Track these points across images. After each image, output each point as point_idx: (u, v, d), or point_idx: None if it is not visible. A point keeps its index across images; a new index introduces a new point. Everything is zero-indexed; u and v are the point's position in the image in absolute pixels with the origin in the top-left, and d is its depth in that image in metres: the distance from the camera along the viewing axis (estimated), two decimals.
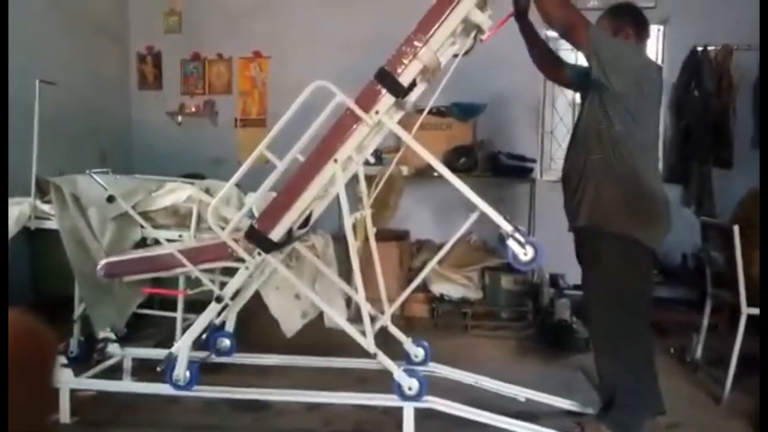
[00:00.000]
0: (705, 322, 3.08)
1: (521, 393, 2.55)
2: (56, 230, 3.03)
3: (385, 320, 2.71)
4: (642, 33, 2.42)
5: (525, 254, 2.21)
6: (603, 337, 2.39)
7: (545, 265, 4.31)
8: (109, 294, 2.97)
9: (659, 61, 4.59)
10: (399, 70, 2.35)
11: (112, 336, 2.74)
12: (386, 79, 2.35)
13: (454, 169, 4.55)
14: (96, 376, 2.63)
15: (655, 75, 2.36)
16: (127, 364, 2.69)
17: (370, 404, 2.44)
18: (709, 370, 3.00)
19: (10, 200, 3.09)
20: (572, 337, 3.52)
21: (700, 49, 4.28)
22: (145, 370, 2.60)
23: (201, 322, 2.39)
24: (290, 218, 2.41)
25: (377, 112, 2.35)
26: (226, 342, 2.86)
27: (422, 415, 2.39)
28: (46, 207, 3.10)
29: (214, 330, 2.78)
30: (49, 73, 3.26)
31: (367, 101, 2.37)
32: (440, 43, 2.37)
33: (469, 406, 2.35)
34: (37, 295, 3.36)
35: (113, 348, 2.61)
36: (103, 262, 2.48)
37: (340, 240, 3.74)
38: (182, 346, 2.39)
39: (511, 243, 2.23)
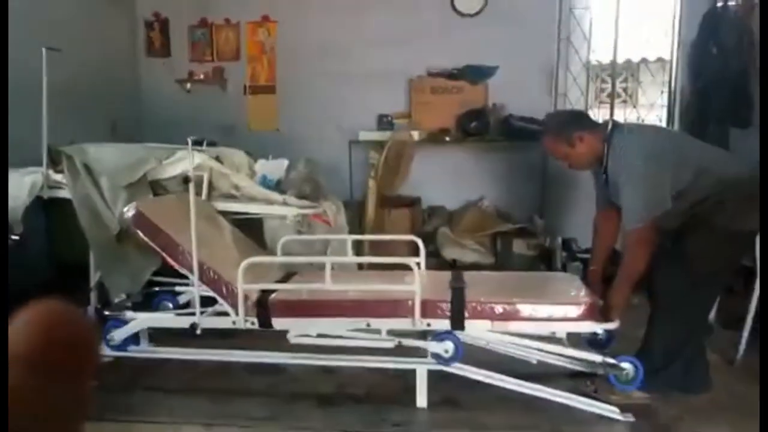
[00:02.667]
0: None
1: (534, 355, 2.55)
2: (69, 199, 3.05)
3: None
4: (589, 126, 2.42)
5: (626, 374, 2.36)
6: (666, 306, 2.39)
7: (557, 230, 4.29)
8: (124, 261, 3.00)
9: (677, 18, 4.46)
10: None
11: (128, 302, 2.77)
12: None
13: (466, 133, 4.52)
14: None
15: (662, 147, 2.35)
16: (145, 331, 2.73)
17: (382, 367, 2.46)
18: (724, 331, 2.98)
19: (23, 170, 3.10)
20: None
21: (719, 4, 4.14)
22: (162, 335, 2.63)
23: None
24: None
25: None
26: None
27: (434, 378, 2.41)
28: (58, 176, 3.12)
29: None
30: (56, 41, 3.23)
31: None
32: None
33: (480, 368, 2.37)
34: (52, 264, 3.41)
35: (128, 314, 2.64)
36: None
37: (350, 207, 3.75)
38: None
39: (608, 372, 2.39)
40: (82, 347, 0.30)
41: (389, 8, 4.71)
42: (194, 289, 2.48)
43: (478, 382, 2.36)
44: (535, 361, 2.56)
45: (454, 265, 4.17)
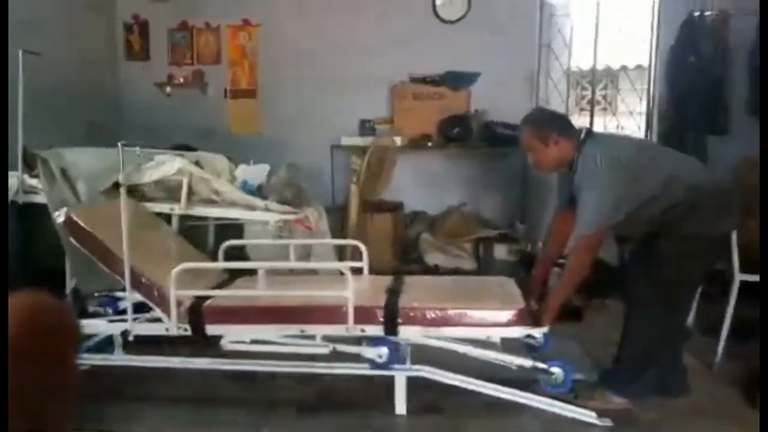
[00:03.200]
0: (698, 289, 3.09)
1: (514, 361, 2.55)
2: (45, 204, 2.99)
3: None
4: (567, 132, 2.45)
5: (555, 379, 2.37)
6: (640, 313, 2.39)
7: (538, 236, 4.32)
8: (100, 268, 2.94)
9: (655, 26, 4.53)
10: None
11: (101, 310, 2.72)
12: None
13: (448, 139, 4.54)
14: (88, 351, 2.62)
15: (622, 160, 2.35)
16: (118, 339, 2.68)
17: (362, 374, 2.45)
18: (702, 337, 3.02)
19: None
20: (565, 306, 3.52)
21: (696, 14, 4.21)
22: (138, 344, 2.58)
23: None
24: None
25: None
26: None
27: (414, 385, 2.40)
28: (34, 181, 3.06)
29: None
30: (33, 43, 3.17)
31: None
32: None
33: (459, 374, 2.37)
34: (27, 270, 3.33)
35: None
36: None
37: (332, 212, 3.73)
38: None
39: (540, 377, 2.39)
40: (62, 333, 0.30)
41: (372, 14, 4.71)
42: (127, 295, 2.45)
43: (460, 389, 2.36)
44: (514, 367, 2.56)
45: (436, 271, 4.18)
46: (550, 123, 2.50)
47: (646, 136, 4.72)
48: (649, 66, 4.65)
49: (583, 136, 2.43)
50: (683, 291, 2.43)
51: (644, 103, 4.74)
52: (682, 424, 2.33)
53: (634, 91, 4.82)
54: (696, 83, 4.18)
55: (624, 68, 4.89)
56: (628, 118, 4.82)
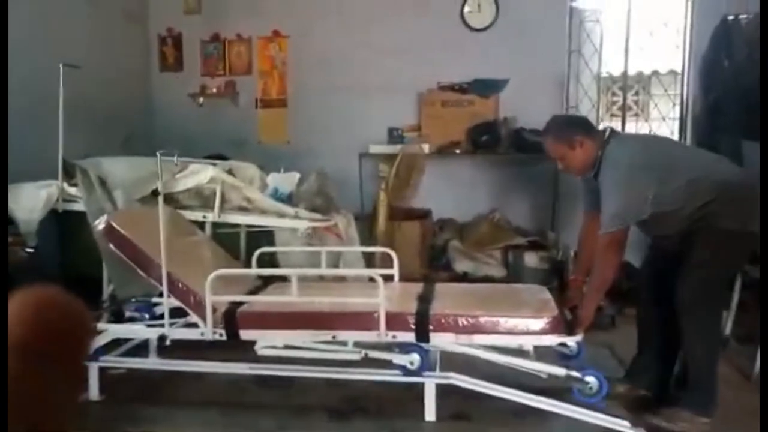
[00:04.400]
0: (735, 298, 3.02)
1: (547, 369, 2.53)
2: (84, 212, 3.08)
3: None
4: (590, 132, 2.45)
5: (590, 388, 2.31)
6: (691, 315, 2.33)
7: (569, 244, 4.27)
8: (136, 274, 3.01)
9: (688, 30, 4.46)
10: None
11: (137, 315, 2.79)
12: None
13: (476, 146, 4.52)
14: (124, 355, 2.69)
15: (643, 161, 2.34)
16: (153, 343, 2.74)
17: (394, 381, 2.45)
18: (739, 347, 2.94)
19: (38, 183, 3.14)
20: (598, 314, 3.48)
21: (730, 18, 4.13)
22: (170, 348, 2.64)
23: None
24: None
25: None
26: None
27: (444, 392, 2.39)
28: (72, 190, 3.16)
29: None
30: (71, 56, 3.28)
31: None
32: None
33: (490, 382, 2.35)
34: (65, 277, 3.43)
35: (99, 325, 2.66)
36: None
37: (360, 220, 3.75)
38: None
39: (573, 385, 2.34)
40: (73, 331, 0.30)
41: (400, 22, 4.74)
42: (164, 300, 2.50)
43: (489, 396, 2.34)
44: (545, 376, 2.53)
45: (465, 278, 4.16)
46: (572, 126, 2.51)
47: (680, 141, 4.64)
48: (683, 71, 4.58)
49: (606, 135, 2.42)
50: (720, 292, 2.40)
51: (677, 108, 4.66)
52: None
53: (667, 97, 4.74)
54: (730, 87, 4.09)
55: (656, 73, 4.81)
56: (661, 124, 4.74)
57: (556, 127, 2.55)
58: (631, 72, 4.66)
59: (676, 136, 4.65)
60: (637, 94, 4.95)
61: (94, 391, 2.53)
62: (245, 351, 2.55)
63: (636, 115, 4.88)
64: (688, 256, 2.31)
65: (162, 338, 2.50)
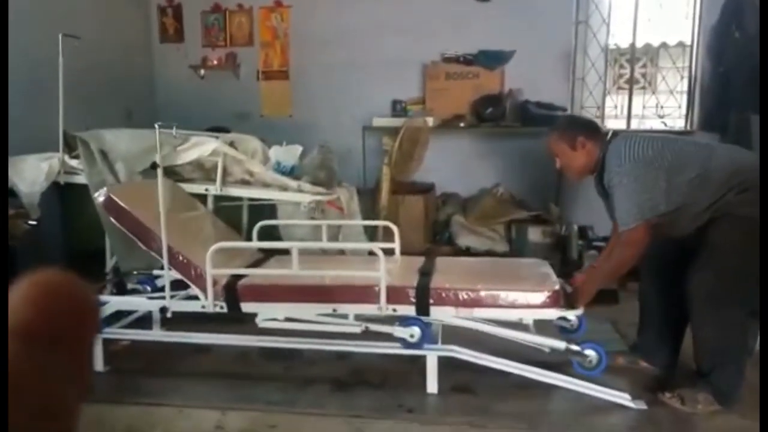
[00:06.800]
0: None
1: (546, 342, 2.53)
2: (85, 185, 3.07)
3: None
4: (594, 135, 2.42)
5: (590, 361, 2.34)
6: (709, 300, 2.25)
7: (573, 218, 4.25)
8: (138, 247, 3.01)
9: (698, 2, 4.37)
10: None
11: (139, 288, 2.80)
12: None
13: (481, 119, 4.48)
14: (127, 327, 2.70)
15: (651, 153, 2.28)
16: (156, 315, 2.75)
17: (396, 353, 2.47)
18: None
19: (40, 156, 3.13)
20: (600, 289, 3.48)
21: None
22: (174, 320, 2.65)
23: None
24: None
25: None
26: None
27: (446, 365, 2.41)
28: (74, 162, 3.14)
29: None
30: (71, 28, 3.23)
31: None
32: None
33: (493, 355, 2.36)
34: (68, 249, 3.44)
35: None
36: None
37: (363, 193, 3.74)
38: None
39: (573, 358, 2.36)
40: (81, 316, 0.29)
41: None
42: (165, 273, 2.51)
43: (491, 370, 2.36)
44: (547, 350, 2.54)
45: (468, 253, 4.16)
46: (578, 126, 2.49)
47: (688, 114, 4.58)
48: (692, 43, 4.50)
49: (609, 137, 2.40)
50: (743, 282, 2.23)
51: (685, 81, 4.59)
52: (718, 408, 2.28)
53: (675, 69, 4.66)
54: (741, 60, 4.02)
55: (664, 45, 4.72)
56: (669, 97, 4.67)
57: (562, 125, 2.56)
58: (639, 44, 4.58)
59: (683, 109, 4.60)
60: (644, 66, 4.88)
61: (98, 363, 2.56)
62: (247, 324, 2.56)
63: (643, 88, 4.81)
64: (704, 244, 2.24)
65: (164, 310, 2.51)
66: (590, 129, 2.48)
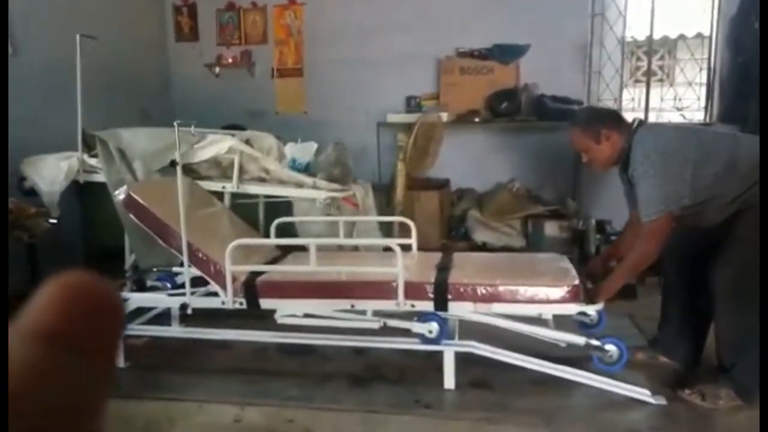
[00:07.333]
0: None
1: (566, 338, 2.51)
2: (104, 183, 3.10)
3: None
4: (617, 125, 2.36)
5: (610, 356, 2.33)
6: (732, 295, 2.24)
7: (591, 212, 4.22)
8: (158, 244, 3.04)
9: None
10: None
11: (159, 285, 2.82)
12: None
13: (496, 114, 4.45)
14: (147, 324, 2.73)
15: (675, 144, 2.26)
16: (175, 312, 2.78)
17: (413, 349, 2.47)
18: None
19: (59, 155, 3.17)
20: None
21: None
22: (192, 318, 2.68)
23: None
24: None
25: None
26: None
27: (463, 360, 2.40)
28: (93, 161, 3.18)
29: None
30: (88, 28, 3.27)
31: None
32: None
33: (510, 351, 2.36)
34: (87, 248, 3.48)
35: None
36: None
37: (378, 189, 3.73)
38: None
39: (593, 353, 2.36)
40: (107, 319, 0.29)
41: None
42: (185, 270, 2.52)
43: (508, 365, 2.35)
44: (564, 345, 2.52)
45: (484, 248, 4.14)
46: (600, 118, 2.43)
47: (707, 107, 4.52)
48: (710, 34, 4.43)
49: (634, 127, 2.35)
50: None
51: (704, 73, 4.52)
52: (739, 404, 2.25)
53: (694, 61, 4.60)
54: (760, 52, 3.95)
55: (682, 37, 4.65)
56: (687, 89, 4.60)
57: (583, 119, 2.48)
58: (657, 36, 4.52)
59: (702, 102, 4.53)
60: (662, 58, 4.81)
61: (119, 359, 2.59)
62: (265, 320, 2.58)
63: (661, 80, 4.74)
64: (729, 237, 2.21)
65: (183, 306, 2.54)
66: (612, 119, 2.43)
